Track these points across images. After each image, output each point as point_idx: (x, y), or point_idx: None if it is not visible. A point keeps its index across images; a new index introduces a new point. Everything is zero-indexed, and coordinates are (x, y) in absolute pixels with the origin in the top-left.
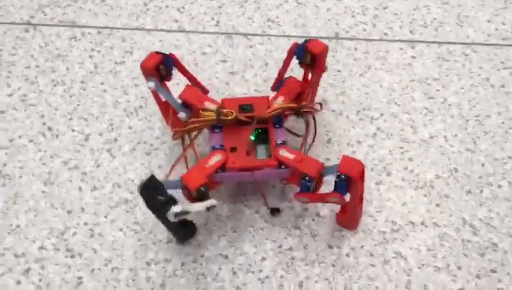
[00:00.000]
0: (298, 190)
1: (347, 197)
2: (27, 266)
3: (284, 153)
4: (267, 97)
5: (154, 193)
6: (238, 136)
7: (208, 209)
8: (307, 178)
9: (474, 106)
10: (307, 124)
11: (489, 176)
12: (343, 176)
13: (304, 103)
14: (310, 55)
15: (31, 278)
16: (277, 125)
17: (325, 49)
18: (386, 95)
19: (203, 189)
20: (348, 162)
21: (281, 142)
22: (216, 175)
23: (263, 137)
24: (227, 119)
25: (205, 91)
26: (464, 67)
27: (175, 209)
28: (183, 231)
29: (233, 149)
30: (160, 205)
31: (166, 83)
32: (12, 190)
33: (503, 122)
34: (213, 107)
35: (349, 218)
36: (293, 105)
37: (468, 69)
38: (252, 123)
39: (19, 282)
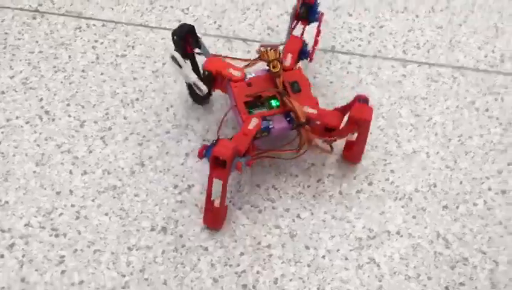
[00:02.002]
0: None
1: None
2: (12, 241)
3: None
4: (315, 100)
5: (184, 38)
6: (263, 86)
7: (195, 86)
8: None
9: (457, 127)
10: (300, 137)
11: (466, 194)
12: None
13: (304, 121)
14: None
15: (15, 253)
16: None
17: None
18: (374, 108)
19: (206, 72)
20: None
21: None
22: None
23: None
24: (271, 70)
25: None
26: (451, 89)
27: (174, 53)
28: (195, 94)
29: (249, 84)
30: (179, 42)
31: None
32: (4, 167)
33: (484, 144)
34: (274, 56)
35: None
36: (301, 117)
37: (455, 91)
38: (280, 93)
39: (2, 256)
